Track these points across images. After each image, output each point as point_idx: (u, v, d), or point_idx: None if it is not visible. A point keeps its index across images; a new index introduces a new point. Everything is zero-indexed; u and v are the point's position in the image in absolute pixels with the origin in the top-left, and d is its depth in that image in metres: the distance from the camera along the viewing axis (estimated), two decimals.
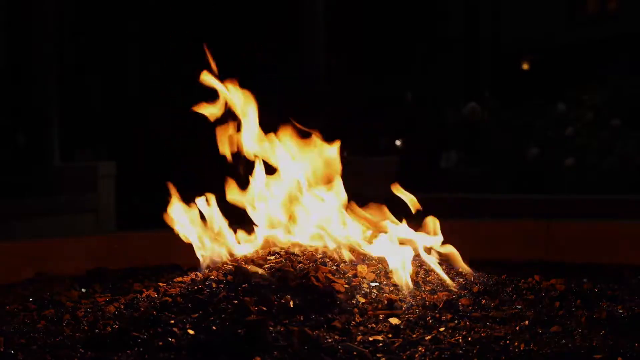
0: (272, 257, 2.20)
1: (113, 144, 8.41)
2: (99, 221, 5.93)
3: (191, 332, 1.85)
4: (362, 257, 2.26)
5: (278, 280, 2.05)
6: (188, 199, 2.52)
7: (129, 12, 9.08)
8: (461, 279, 2.24)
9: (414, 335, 1.85)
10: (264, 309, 1.92)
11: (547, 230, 3.37)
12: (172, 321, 1.90)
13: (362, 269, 2.15)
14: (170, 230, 2.56)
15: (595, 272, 2.98)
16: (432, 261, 2.28)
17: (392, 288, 2.10)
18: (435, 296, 2.08)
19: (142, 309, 2.05)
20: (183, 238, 2.50)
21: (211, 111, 2.50)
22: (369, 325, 1.91)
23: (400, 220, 2.41)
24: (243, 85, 2.51)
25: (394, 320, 1.93)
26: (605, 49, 13.81)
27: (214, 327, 1.86)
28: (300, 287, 2.02)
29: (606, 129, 6.07)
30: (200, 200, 2.50)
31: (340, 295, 2.01)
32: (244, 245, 2.45)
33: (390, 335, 1.85)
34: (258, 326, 1.82)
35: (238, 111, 2.50)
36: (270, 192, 2.47)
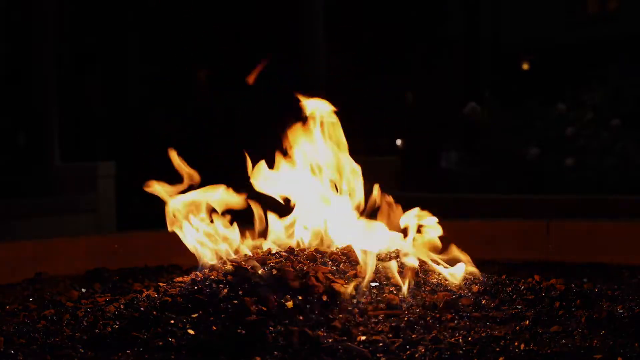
0: (272, 257, 2.20)
1: (113, 144, 8.42)
2: (99, 221, 5.93)
3: (191, 332, 1.85)
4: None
5: (278, 280, 2.05)
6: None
7: (129, 12, 9.08)
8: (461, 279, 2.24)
9: (414, 335, 1.85)
10: (264, 309, 1.92)
11: (547, 230, 3.37)
12: (172, 321, 1.90)
13: (362, 268, 2.15)
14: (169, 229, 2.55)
15: (595, 272, 2.98)
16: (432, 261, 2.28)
17: (392, 288, 2.10)
18: (435, 296, 2.08)
19: (142, 309, 2.05)
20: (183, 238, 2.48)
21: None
22: (369, 325, 1.91)
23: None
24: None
25: (394, 321, 1.93)
26: (605, 49, 13.81)
27: (214, 327, 1.86)
28: (300, 287, 2.02)
29: (606, 129, 6.06)
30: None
31: (340, 295, 2.01)
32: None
33: (390, 335, 1.85)
34: (258, 326, 1.82)
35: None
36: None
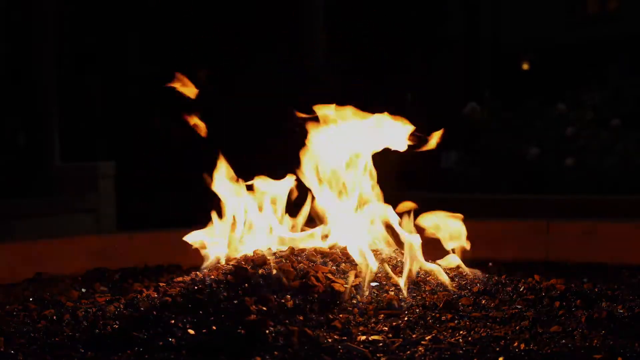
0: (272, 257, 2.20)
1: (113, 144, 8.42)
2: (99, 221, 5.92)
3: (191, 332, 1.85)
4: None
5: (278, 280, 2.05)
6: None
7: (129, 12, 9.08)
8: (461, 279, 2.24)
9: (414, 335, 1.85)
10: (264, 309, 1.92)
11: (547, 230, 3.37)
12: (172, 321, 1.90)
13: (362, 268, 2.15)
14: (169, 230, 2.55)
15: (595, 272, 2.98)
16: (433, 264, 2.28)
17: (392, 288, 2.10)
18: (435, 296, 2.08)
19: (142, 309, 2.05)
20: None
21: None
22: (369, 325, 1.91)
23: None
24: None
25: (394, 320, 1.93)
26: (605, 49, 13.82)
27: (214, 327, 1.86)
28: (300, 287, 2.02)
29: (606, 129, 6.06)
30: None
31: (340, 295, 2.01)
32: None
33: (390, 335, 1.85)
34: (258, 326, 1.82)
35: None
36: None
